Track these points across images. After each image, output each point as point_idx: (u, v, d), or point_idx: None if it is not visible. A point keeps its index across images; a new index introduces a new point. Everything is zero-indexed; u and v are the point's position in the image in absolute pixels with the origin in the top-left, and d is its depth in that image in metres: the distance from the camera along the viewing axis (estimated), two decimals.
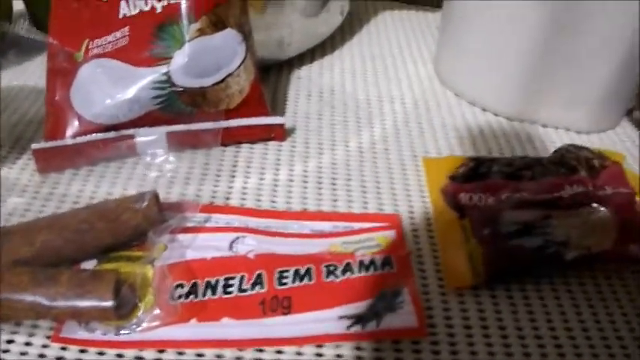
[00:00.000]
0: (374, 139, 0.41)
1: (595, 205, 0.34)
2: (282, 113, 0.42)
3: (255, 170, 0.37)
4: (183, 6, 0.36)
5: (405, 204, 0.35)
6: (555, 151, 0.38)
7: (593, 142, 0.43)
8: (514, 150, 0.41)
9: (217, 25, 0.37)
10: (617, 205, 0.34)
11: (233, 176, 0.37)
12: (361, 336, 0.28)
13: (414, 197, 0.36)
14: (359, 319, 0.28)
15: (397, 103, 0.45)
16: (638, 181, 0.38)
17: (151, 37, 0.37)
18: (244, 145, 0.39)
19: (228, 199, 0.35)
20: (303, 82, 0.46)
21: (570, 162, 0.37)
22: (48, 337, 0.27)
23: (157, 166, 0.37)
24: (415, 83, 0.48)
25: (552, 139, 0.43)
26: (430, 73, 0.49)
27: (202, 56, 0.36)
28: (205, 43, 0.37)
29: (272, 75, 0.47)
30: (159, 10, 0.37)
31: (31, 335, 0.27)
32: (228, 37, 0.37)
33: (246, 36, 0.38)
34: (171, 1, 0.37)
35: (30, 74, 0.46)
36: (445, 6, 0.47)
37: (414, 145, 0.40)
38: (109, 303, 0.27)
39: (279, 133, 0.39)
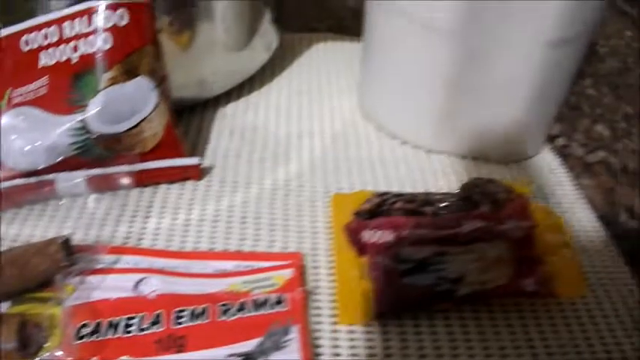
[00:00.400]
0: (289, 175, 0.43)
1: (493, 240, 0.37)
2: (202, 152, 0.45)
3: (170, 210, 0.40)
4: (97, 56, 0.40)
5: (310, 242, 0.38)
6: (462, 186, 0.41)
7: (511, 171, 0.46)
8: (428, 183, 0.44)
9: (129, 74, 0.40)
10: (515, 240, 0.37)
11: (147, 217, 0.39)
12: None
13: (320, 235, 0.39)
14: (247, 357, 0.31)
15: (317, 138, 0.48)
16: (546, 211, 0.41)
17: (68, 86, 0.39)
18: (162, 186, 0.42)
19: (141, 239, 0.38)
20: (227, 120, 0.49)
21: (474, 196, 0.40)
22: None
23: (77, 209, 0.40)
24: (337, 117, 0.50)
25: (470, 170, 0.46)
26: (354, 106, 0.52)
27: (116, 103, 0.39)
28: (118, 90, 0.39)
29: (198, 113, 0.49)
30: (75, 60, 0.40)
31: None
32: (141, 84, 0.40)
33: (160, 82, 0.41)
34: (86, 52, 0.40)
35: None
36: (365, 38, 0.49)
37: (328, 180, 0.43)
38: (12, 345, 0.30)
39: (195, 173, 0.42)
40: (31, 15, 0.41)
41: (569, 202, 0.44)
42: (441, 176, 0.45)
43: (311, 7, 0.69)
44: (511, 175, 0.46)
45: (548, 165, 0.48)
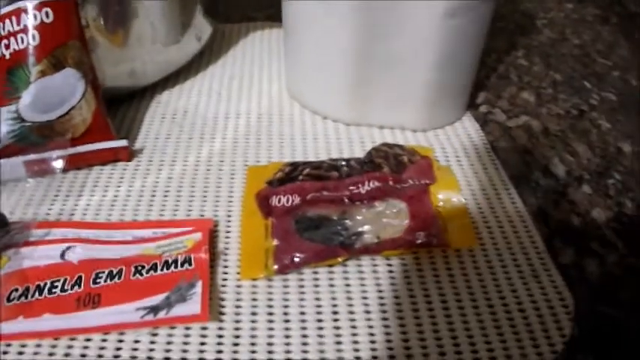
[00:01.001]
0: (212, 152, 0.48)
1: (391, 198, 0.41)
2: (136, 136, 0.49)
3: (100, 189, 0.44)
4: (27, 51, 0.44)
5: (225, 210, 0.42)
6: (368, 151, 0.45)
7: (428, 138, 0.50)
8: (344, 153, 0.48)
9: (57, 66, 0.44)
10: (410, 197, 0.41)
11: (80, 195, 0.44)
12: (151, 323, 0.35)
13: (235, 204, 0.43)
14: (153, 309, 0.35)
15: (242, 118, 0.52)
16: (445, 172, 0.44)
17: (2, 80, 0.44)
18: (95, 168, 0.46)
19: (72, 215, 0.42)
20: (161, 106, 0.53)
21: (375, 160, 0.44)
22: None
23: (17, 191, 0.44)
24: (265, 99, 0.55)
25: (387, 139, 0.50)
26: (282, 88, 0.56)
27: (46, 93, 0.44)
28: (47, 82, 0.44)
29: (135, 102, 0.54)
30: (7, 56, 0.44)
31: None
32: (68, 75, 0.44)
33: (86, 72, 0.45)
34: (17, 48, 0.44)
35: None
36: (283, 23, 0.53)
37: (248, 155, 0.47)
38: None
39: (124, 155, 0.47)
40: None
41: (480, 165, 0.47)
42: (357, 146, 0.49)
43: None
44: (427, 142, 0.49)
45: (466, 130, 0.51)
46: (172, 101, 0.54)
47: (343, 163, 0.44)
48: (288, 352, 0.33)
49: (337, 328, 0.35)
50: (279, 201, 0.41)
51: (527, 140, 0.51)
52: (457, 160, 0.48)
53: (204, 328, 0.34)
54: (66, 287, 0.36)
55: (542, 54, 0.65)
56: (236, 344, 0.34)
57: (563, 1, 0.79)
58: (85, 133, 0.45)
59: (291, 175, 0.43)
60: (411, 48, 0.46)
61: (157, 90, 0.55)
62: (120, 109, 0.52)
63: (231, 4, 0.65)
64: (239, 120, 0.51)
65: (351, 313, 0.35)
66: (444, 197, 0.42)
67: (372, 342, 0.34)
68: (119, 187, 0.44)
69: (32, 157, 0.44)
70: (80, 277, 0.37)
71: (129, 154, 0.47)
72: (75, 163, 0.45)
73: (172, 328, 0.35)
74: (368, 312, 0.35)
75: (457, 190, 0.43)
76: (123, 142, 0.46)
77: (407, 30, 0.45)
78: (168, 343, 0.34)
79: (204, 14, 0.56)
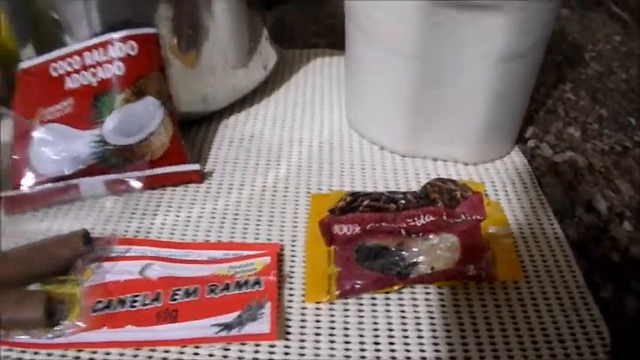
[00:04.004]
0: (278, 178, 0.52)
1: (444, 232, 0.45)
2: (205, 159, 0.54)
3: (174, 209, 0.49)
4: (112, 80, 0.49)
5: (290, 235, 0.46)
6: (423, 186, 0.49)
7: (480, 172, 0.54)
8: (400, 184, 0.52)
9: (139, 95, 0.49)
10: (462, 232, 0.45)
11: (155, 214, 0.48)
12: (225, 339, 0.39)
13: (299, 229, 0.47)
14: (226, 326, 0.39)
15: (305, 145, 0.56)
16: (495, 207, 0.48)
17: (88, 106, 0.49)
18: (169, 188, 0.50)
19: (149, 233, 0.47)
20: (228, 130, 0.58)
21: (431, 194, 0.48)
22: None
23: (97, 208, 0.49)
24: (326, 127, 0.59)
25: (440, 172, 0.53)
26: (342, 116, 0.60)
27: (128, 119, 0.48)
28: (130, 109, 0.48)
29: (204, 125, 0.58)
30: (94, 84, 0.49)
31: None
32: (149, 103, 0.49)
33: (165, 100, 0.50)
34: (103, 77, 0.49)
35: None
36: (346, 58, 0.58)
37: (311, 182, 0.51)
38: (39, 315, 0.39)
39: (196, 177, 0.51)
40: (58, 46, 0.50)
41: (527, 200, 0.51)
42: (412, 177, 0.53)
43: (312, 24, 0.78)
44: (477, 175, 0.53)
45: (515, 165, 0.55)
46: (239, 126, 0.58)
47: (400, 196, 0.48)
48: None
49: (392, 350, 0.38)
50: (340, 230, 0.45)
51: (572, 176, 0.54)
52: (505, 194, 0.51)
53: (272, 346, 0.38)
54: (146, 302, 0.41)
55: (590, 88, 0.68)
56: None
57: (611, 34, 0.82)
58: (161, 157, 0.50)
59: (352, 205, 0.47)
60: (466, 90, 0.50)
61: (224, 114, 0.60)
62: (191, 132, 0.56)
63: (294, 31, 0.69)
64: (302, 147, 0.56)
65: (405, 337, 0.39)
66: (493, 232, 0.45)
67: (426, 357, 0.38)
68: (192, 208, 0.49)
69: (112, 177, 0.49)
70: (159, 294, 0.41)
71: (200, 177, 0.51)
72: (151, 184, 0.50)
73: (243, 344, 0.39)
74: (420, 337, 0.39)
75: (505, 225, 0.46)
76: (196, 166, 0.51)
77: (462, 74, 0.49)
78: (239, 358, 0.38)
79: (271, 41, 0.61)
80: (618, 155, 0.57)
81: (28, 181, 0.48)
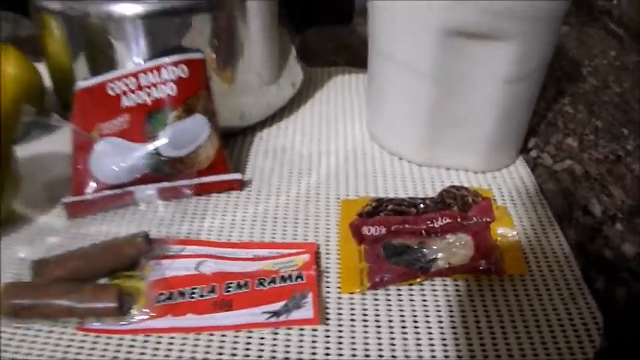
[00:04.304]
0: (310, 186, 0.60)
1: (459, 232, 0.53)
2: (244, 169, 0.62)
3: (219, 213, 0.57)
4: (165, 100, 0.57)
5: (324, 235, 0.54)
6: (440, 192, 0.57)
7: (488, 180, 0.62)
8: (418, 190, 0.60)
9: (188, 112, 0.57)
10: (475, 232, 0.53)
11: (204, 218, 0.56)
12: (275, 324, 0.47)
13: (332, 230, 0.55)
14: (275, 313, 0.47)
15: (332, 156, 0.64)
16: (503, 212, 0.56)
17: (143, 122, 0.57)
18: (213, 195, 0.59)
19: (199, 235, 0.55)
20: (262, 143, 0.66)
21: (446, 200, 0.56)
22: (75, 329, 0.47)
23: (150, 212, 0.57)
24: (350, 139, 0.67)
25: (452, 179, 0.62)
26: (363, 129, 0.69)
27: (179, 134, 0.56)
28: (181, 125, 0.57)
29: (239, 138, 0.67)
30: (149, 102, 0.57)
31: (64, 327, 0.46)
32: (197, 120, 0.57)
33: (211, 117, 0.58)
34: (157, 97, 0.57)
35: (54, 143, 0.67)
36: (368, 75, 0.66)
37: (340, 189, 0.60)
38: (113, 305, 0.47)
39: (237, 185, 0.59)
40: (112, 68, 0.58)
41: (530, 204, 0.59)
42: (428, 185, 0.61)
43: (332, 43, 0.86)
44: (486, 182, 0.62)
45: (519, 173, 0.63)
46: (272, 139, 0.67)
47: (420, 201, 0.56)
48: (380, 349, 0.45)
49: (417, 333, 0.46)
50: (369, 231, 0.53)
51: (570, 183, 0.62)
52: (511, 199, 0.59)
53: (314, 330, 0.46)
54: (203, 294, 0.49)
55: (586, 101, 0.76)
56: (340, 343, 0.45)
57: (607, 49, 0.91)
58: (208, 167, 0.58)
59: (377, 209, 0.55)
60: (476, 107, 0.58)
61: (258, 129, 0.68)
62: (229, 145, 0.65)
63: (315, 50, 0.78)
64: (329, 158, 0.64)
65: (427, 322, 0.47)
66: (501, 232, 0.53)
67: (444, 345, 0.46)
68: (235, 212, 0.57)
69: (164, 185, 0.57)
70: (214, 287, 0.49)
71: (241, 185, 0.59)
72: (198, 191, 0.58)
73: (289, 329, 0.46)
74: (440, 322, 0.47)
75: (512, 226, 0.55)
76: (237, 175, 0.59)
77: (473, 93, 0.57)
78: (287, 340, 0.46)
79: (298, 60, 0.69)
80: (612, 163, 0.65)
81: (88, 188, 0.56)
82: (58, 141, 0.66)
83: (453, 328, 0.47)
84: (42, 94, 0.68)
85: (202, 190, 0.59)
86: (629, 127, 0.72)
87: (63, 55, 0.63)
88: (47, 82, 0.69)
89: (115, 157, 0.56)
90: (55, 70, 0.67)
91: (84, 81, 0.58)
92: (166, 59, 0.57)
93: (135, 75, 0.57)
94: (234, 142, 0.66)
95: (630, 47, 0.93)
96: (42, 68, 0.68)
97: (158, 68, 0.57)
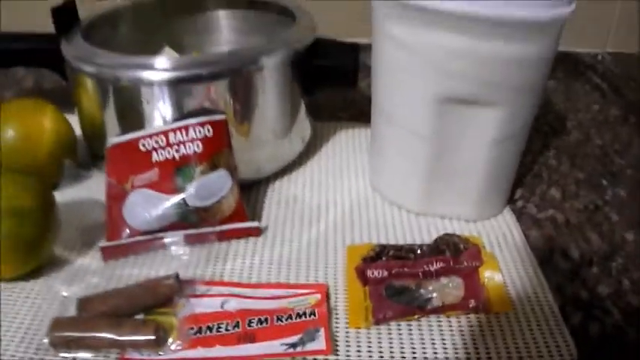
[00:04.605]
0: (319, 233, 0.69)
1: (452, 275, 0.63)
2: (260, 217, 0.72)
3: (240, 257, 0.66)
4: (192, 156, 0.67)
5: (332, 277, 0.63)
6: (434, 239, 0.67)
7: (478, 228, 0.72)
8: (415, 236, 0.70)
9: (213, 168, 0.66)
10: (465, 275, 0.63)
11: (226, 261, 0.65)
12: (292, 354, 0.55)
13: (339, 272, 0.64)
14: (292, 345, 0.56)
15: (338, 205, 0.74)
16: (490, 257, 0.66)
17: (172, 175, 0.66)
18: (234, 241, 0.68)
19: (222, 276, 0.64)
20: (275, 193, 0.76)
21: (441, 246, 0.66)
22: (117, 359, 0.55)
23: (177, 256, 0.67)
24: (354, 190, 0.77)
25: (446, 227, 0.72)
26: (366, 182, 0.79)
27: (204, 187, 0.66)
28: (206, 179, 0.66)
29: (255, 189, 0.76)
30: (177, 158, 0.67)
31: (106, 357, 0.55)
32: (221, 174, 0.67)
33: (232, 172, 0.67)
34: (185, 153, 0.67)
35: (86, 191, 0.77)
36: (371, 134, 0.76)
37: (346, 236, 0.69)
38: (152, 338, 0.56)
39: (256, 232, 0.69)
40: (144, 126, 0.68)
41: (516, 250, 0.69)
42: (425, 231, 0.70)
43: (337, 99, 0.97)
44: (476, 230, 0.71)
45: (506, 222, 0.73)
46: (284, 190, 0.77)
47: (417, 247, 0.65)
48: None
49: None
50: (372, 273, 0.62)
51: (553, 230, 0.72)
52: (498, 245, 0.69)
53: (326, 359, 0.56)
54: (228, 328, 0.58)
55: (570, 154, 0.87)
56: None
57: (591, 102, 1.02)
58: (229, 216, 0.67)
59: (380, 254, 0.64)
60: (468, 163, 0.67)
61: (271, 180, 0.78)
62: (246, 195, 0.74)
63: (321, 105, 0.88)
64: (336, 207, 0.74)
65: (424, 354, 0.56)
66: (488, 275, 0.63)
67: None
68: (253, 256, 0.66)
69: (190, 231, 0.66)
70: (238, 322, 0.58)
71: (258, 232, 0.69)
72: (220, 237, 0.67)
73: (304, 359, 0.55)
74: (435, 353, 0.56)
75: (498, 270, 0.64)
76: (255, 223, 0.68)
77: (465, 150, 0.67)
78: None
79: (307, 116, 0.80)
80: (590, 212, 0.75)
81: (122, 234, 0.66)
82: (89, 189, 0.76)
83: (447, 358, 0.56)
84: (74, 145, 0.78)
85: (224, 237, 0.68)
86: (607, 178, 0.82)
87: (95, 112, 0.73)
88: (77, 131, 0.78)
89: (146, 207, 0.66)
90: (87, 123, 0.77)
91: (117, 137, 0.68)
92: (193, 120, 0.66)
93: (165, 133, 0.67)
94: (250, 192, 0.76)
95: (612, 101, 1.03)
96: (72, 119, 0.78)
97: (186, 128, 0.66)
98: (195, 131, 0.66)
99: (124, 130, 0.70)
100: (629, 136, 0.93)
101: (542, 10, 0.57)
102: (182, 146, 0.67)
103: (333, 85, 0.82)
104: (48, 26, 0.75)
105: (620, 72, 1.15)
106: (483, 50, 0.59)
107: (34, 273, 0.63)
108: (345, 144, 0.87)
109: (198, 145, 0.66)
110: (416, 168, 0.70)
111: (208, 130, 0.67)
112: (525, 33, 0.59)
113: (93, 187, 0.77)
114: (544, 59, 0.63)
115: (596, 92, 1.07)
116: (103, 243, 0.66)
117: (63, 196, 0.73)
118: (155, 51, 0.87)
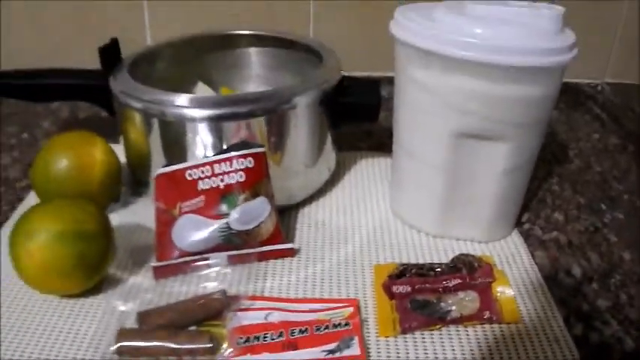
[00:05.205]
0: (347, 253, 0.81)
1: (468, 290, 0.75)
2: (293, 239, 0.83)
3: (277, 275, 0.77)
4: (235, 185, 0.79)
5: (362, 292, 0.75)
6: (452, 259, 0.80)
7: (489, 248, 0.84)
8: (434, 256, 0.82)
9: (254, 195, 0.78)
10: (480, 290, 0.75)
11: (265, 279, 0.77)
12: (332, 359, 0.68)
13: (367, 288, 0.76)
14: (331, 351, 0.67)
15: (363, 229, 0.86)
16: (501, 274, 0.78)
17: (217, 202, 0.78)
18: (271, 261, 0.80)
19: (263, 291, 0.76)
20: (305, 217, 0.88)
21: (457, 265, 0.78)
22: None
23: (221, 275, 0.78)
24: (376, 215, 0.89)
25: (461, 248, 0.84)
26: (387, 207, 0.91)
27: (247, 213, 0.77)
28: (247, 205, 0.77)
29: (287, 214, 0.88)
30: (222, 187, 0.78)
31: None
32: (261, 201, 0.78)
33: (270, 199, 0.79)
34: (229, 182, 0.79)
35: (132, 215, 0.89)
36: (392, 165, 0.89)
37: (372, 256, 0.80)
38: (209, 346, 0.67)
39: (291, 253, 0.80)
40: (187, 156, 0.80)
41: (523, 268, 0.81)
42: (442, 253, 0.82)
43: (357, 130, 1.10)
44: (488, 250, 0.84)
45: (515, 243, 0.85)
46: (312, 214, 0.89)
47: (437, 266, 0.78)
48: None
49: None
50: (397, 289, 0.74)
51: (556, 250, 0.84)
52: (508, 263, 0.81)
53: None
54: (274, 337, 0.68)
55: (571, 181, 0.99)
56: None
57: (591, 132, 1.15)
58: (267, 238, 0.79)
59: (404, 272, 0.76)
60: (480, 191, 0.79)
61: (300, 206, 0.90)
62: (280, 220, 0.86)
63: (342, 136, 1.00)
64: (361, 230, 0.86)
65: (445, 358, 0.68)
66: (500, 290, 0.74)
67: None
68: (290, 274, 0.78)
69: (233, 252, 0.78)
70: (282, 332, 0.68)
71: (293, 253, 0.81)
72: (260, 258, 0.79)
73: None
74: (455, 358, 0.67)
75: (508, 285, 0.76)
76: (290, 245, 0.80)
77: (477, 180, 0.79)
78: None
79: (334, 147, 0.92)
80: (591, 234, 0.88)
81: (172, 255, 0.77)
82: (134, 213, 0.88)
83: None
84: (120, 173, 0.89)
85: (263, 257, 0.79)
86: (606, 202, 0.94)
87: (142, 143, 0.84)
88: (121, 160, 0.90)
89: (193, 230, 0.77)
90: (133, 153, 0.89)
91: (165, 167, 0.79)
92: (236, 153, 0.79)
93: (210, 164, 0.78)
94: (283, 217, 0.86)
95: (611, 130, 1.16)
96: (115, 148, 0.89)
97: (230, 159, 0.78)
98: (238, 162, 0.78)
99: (169, 159, 0.82)
100: (627, 163, 1.05)
101: (548, 57, 0.69)
102: (226, 176, 0.78)
103: (358, 120, 0.94)
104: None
105: (619, 102, 1.29)
106: (496, 92, 0.71)
107: (93, 290, 0.74)
108: (367, 172, 1.00)
109: (241, 175, 0.78)
110: (433, 196, 0.82)
111: (250, 162, 0.78)
112: (533, 77, 0.71)
113: (138, 212, 0.89)
114: (549, 98, 0.74)
115: (596, 122, 1.21)
116: (154, 263, 0.77)
117: (112, 220, 0.84)
118: (189, 85, 0.99)
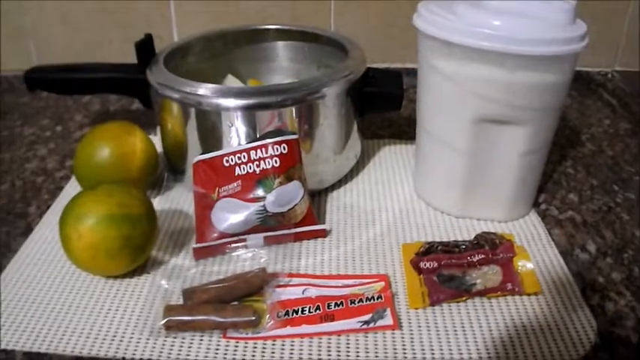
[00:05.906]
0: (375, 234, 0.87)
1: (491, 264, 0.82)
2: (324, 221, 0.89)
3: (311, 254, 0.83)
4: (270, 170, 0.84)
5: (391, 269, 0.81)
6: (475, 236, 0.86)
7: (509, 227, 0.90)
8: (457, 235, 0.88)
9: (288, 179, 0.83)
10: (502, 264, 0.81)
11: (300, 258, 0.83)
12: (366, 330, 0.72)
13: (396, 265, 0.82)
14: (366, 322, 0.73)
15: (390, 211, 0.92)
16: (521, 249, 0.85)
17: (253, 186, 0.83)
18: (305, 241, 0.85)
19: (299, 269, 0.82)
20: (334, 200, 0.94)
21: (480, 242, 0.84)
22: (220, 337, 0.69)
23: (258, 255, 0.85)
24: (401, 198, 0.95)
25: (482, 227, 0.90)
26: (411, 190, 0.97)
27: (282, 196, 0.82)
28: (282, 189, 0.82)
29: (317, 198, 0.94)
30: (257, 172, 0.83)
31: (210, 336, 0.67)
32: (295, 185, 0.83)
33: (303, 183, 0.85)
34: (264, 168, 0.84)
35: (169, 200, 0.95)
36: (416, 147, 0.95)
37: (399, 236, 0.86)
38: (253, 318, 0.74)
39: (323, 233, 0.86)
40: (222, 145, 0.86)
41: (541, 244, 0.87)
42: (465, 232, 0.88)
43: (377, 119, 1.17)
44: (508, 229, 0.90)
45: (533, 222, 0.91)
46: (341, 197, 0.95)
47: (461, 243, 0.84)
48: (440, 346, 0.71)
49: (465, 335, 0.72)
50: (425, 265, 0.80)
51: (572, 228, 0.90)
52: (527, 241, 0.86)
53: (393, 333, 0.72)
54: (311, 310, 0.75)
55: (585, 164, 1.05)
56: (412, 341, 0.71)
57: (603, 118, 1.21)
58: (302, 220, 0.84)
59: (430, 250, 0.82)
60: (499, 173, 0.85)
61: (329, 190, 0.96)
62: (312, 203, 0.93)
63: (364, 125, 1.05)
64: (388, 212, 0.92)
65: (472, 328, 0.73)
66: (521, 264, 0.80)
67: (485, 343, 0.71)
68: (323, 253, 0.83)
69: (270, 234, 0.84)
70: (319, 305, 0.74)
71: (326, 233, 0.87)
72: (295, 238, 0.85)
73: (376, 333, 0.72)
74: (481, 327, 0.73)
75: (529, 259, 0.82)
76: (323, 226, 0.86)
77: (497, 162, 0.84)
78: (375, 340, 0.71)
79: (359, 135, 0.98)
80: (604, 213, 0.93)
81: (211, 237, 0.83)
82: (172, 199, 0.95)
83: (490, 331, 0.73)
84: (157, 161, 0.95)
85: (297, 238, 0.84)
86: (618, 184, 1.00)
87: (179, 132, 0.90)
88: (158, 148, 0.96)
89: (231, 213, 0.83)
90: (170, 142, 0.95)
91: (203, 154, 0.85)
92: (271, 140, 0.85)
93: (247, 151, 0.83)
94: (314, 200, 0.93)
95: (622, 116, 1.23)
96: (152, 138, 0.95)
97: (265, 146, 0.83)
98: (273, 149, 0.83)
99: (205, 147, 0.88)
100: (637, 147, 1.11)
101: (561, 46, 0.75)
102: (262, 162, 0.83)
103: (382, 109, 1.01)
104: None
105: (629, 89, 1.35)
106: (513, 79, 0.77)
107: (138, 270, 0.80)
108: (390, 158, 1.06)
109: (276, 161, 0.83)
110: (455, 178, 0.88)
111: (284, 148, 0.84)
112: (547, 65, 0.77)
113: (175, 198, 0.95)
114: (562, 84, 0.80)
115: (607, 108, 1.27)
116: (195, 244, 0.83)
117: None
118: (218, 77, 1.06)
